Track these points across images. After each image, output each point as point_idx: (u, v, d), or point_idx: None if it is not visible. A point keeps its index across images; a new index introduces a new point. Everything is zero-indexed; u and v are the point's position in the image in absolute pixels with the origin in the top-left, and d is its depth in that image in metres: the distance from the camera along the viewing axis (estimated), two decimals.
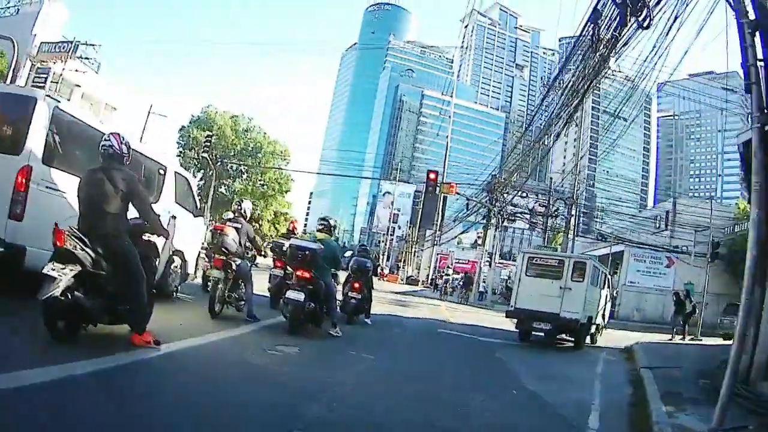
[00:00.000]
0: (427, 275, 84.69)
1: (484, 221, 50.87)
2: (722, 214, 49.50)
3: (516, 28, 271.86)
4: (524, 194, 50.59)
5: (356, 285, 17.49)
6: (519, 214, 50.44)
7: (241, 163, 77.09)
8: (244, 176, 79.41)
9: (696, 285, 35.70)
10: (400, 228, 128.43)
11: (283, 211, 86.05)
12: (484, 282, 55.51)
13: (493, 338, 20.34)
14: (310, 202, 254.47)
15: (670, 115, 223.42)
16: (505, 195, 48.85)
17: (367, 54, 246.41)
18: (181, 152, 75.43)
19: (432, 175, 43.10)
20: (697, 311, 31.28)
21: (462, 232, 69.52)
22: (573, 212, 48.19)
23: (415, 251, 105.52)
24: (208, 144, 60.11)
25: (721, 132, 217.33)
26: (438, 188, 43.23)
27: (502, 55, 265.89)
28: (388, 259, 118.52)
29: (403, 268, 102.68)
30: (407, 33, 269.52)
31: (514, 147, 51.68)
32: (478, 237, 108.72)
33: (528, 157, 46.51)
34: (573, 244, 49.88)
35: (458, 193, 45.63)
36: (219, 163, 73.13)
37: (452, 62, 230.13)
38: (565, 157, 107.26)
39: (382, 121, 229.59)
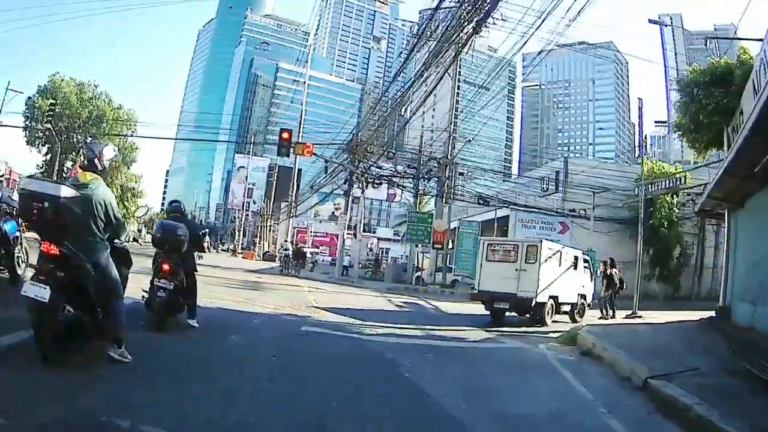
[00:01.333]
0: (285, 251, 76.58)
1: (346, 186, 44.31)
2: (626, 175, 43.27)
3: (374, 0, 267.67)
4: (391, 154, 44.23)
5: (165, 266, 10.58)
6: (384, 177, 43.80)
7: (86, 133, 67.59)
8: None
9: (596, 253, 33.72)
10: (255, 203, 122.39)
11: (130, 185, 77.66)
12: (349, 255, 49.31)
13: (384, 334, 14.49)
14: (166, 181, 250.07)
15: (536, 85, 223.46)
16: (368, 156, 42.41)
17: (225, 30, 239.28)
18: (27, 125, 67.35)
19: (285, 135, 36.58)
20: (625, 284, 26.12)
21: (318, 203, 62.48)
22: (447, 173, 42.33)
23: (270, 225, 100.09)
24: (51, 114, 54.33)
25: (593, 101, 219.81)
26: (292, 148, 36.50)
27: (360, 27, 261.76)
28: (244, 235, 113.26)
29: (260, 243, 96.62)
30: (265, 8, 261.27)
31: (374, 107, 44.85)
32: (336, 208, 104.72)
33: (389, 118, 42.79)
34: (450, 209, 44.02)
35: (315, 154, 38.98)
36: (65, 136, 65.64)
37: (308, 35, 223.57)
38: (423, 126, 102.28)
39: (237, 96, 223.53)
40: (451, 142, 43.60)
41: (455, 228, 44.00)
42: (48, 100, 61.32)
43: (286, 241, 61.15)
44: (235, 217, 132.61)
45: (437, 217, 42.07)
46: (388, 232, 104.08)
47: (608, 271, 25.03)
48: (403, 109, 41.71)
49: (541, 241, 21.54)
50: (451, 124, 44.66)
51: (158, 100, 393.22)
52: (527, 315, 20.34)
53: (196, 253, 12.10)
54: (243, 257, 75.14)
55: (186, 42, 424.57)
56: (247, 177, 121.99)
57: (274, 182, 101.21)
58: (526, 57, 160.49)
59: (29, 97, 66.61)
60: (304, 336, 12.90)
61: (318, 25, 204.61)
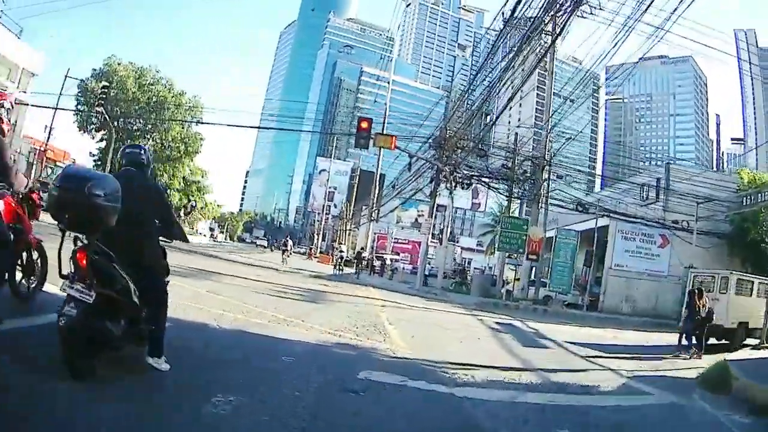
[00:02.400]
0: (366, 257, 71.27)
1: (431, 186, 38.72)
2: (723, 184, 38.81)
3: (459, 8, 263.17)
4: (483, 152, 38.54)
5: (83, 261, 5.55)
6: (476, 177, 38.17)
7: (143, 119, 63.94)
8: (150, 137, 64.82)
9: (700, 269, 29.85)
10: (336, 206, 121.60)
11: (194, 179, 73.37)
12: (431, 264, 43.98)
13: (486, 383, 9.37)
14: (246, 182, 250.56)
15: (619, 99, 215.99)
16: (458, 152, 36.83)
17: (307, 32, 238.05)
18: (78, 111, 62.00)
19: (364, 124, 31.76)
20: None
21: (400, 205, 56.81)
22: (544, 175, 36.94)
23: (350, 229, 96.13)
24: (104, 96, 49.79)
25: (673, 116, 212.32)
26: (372, 140, 31.56)
27: (444, 35, 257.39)
28: (323, 239, 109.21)
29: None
30: (348, 11, 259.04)
31: (461, 98, 39.04)
32: (420, 215, 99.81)
33: (477, 113, 36.99)
34: (546, 214, 38.52)
35: (398, 148, 33.85)
36: (119, 122, 61.29)
37: (392, 41, 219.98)
38: (510, 124, 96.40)
39: (320, 97, 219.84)
40: (547, 140, 38.11)
41: (550, 237, 38.34)
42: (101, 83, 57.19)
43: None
44: (314, 221, 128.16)
45: (532, 224, 36.65)
46: (471, 242, 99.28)
47: (695, 301, 18.84)
48: (490, 105, 36.09)
49: (732, 273, 23.75)
50: (547, 120, 38.79)
51: (241, 100, 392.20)
52: (723, 340, 21.21)
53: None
54: (318, 261, 69.79)
55: (267, 43, 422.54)
56: (328, 180, 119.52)
57: (356, 185, 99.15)
58: (609, 70, 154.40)
59: (82, 80, 61.01)
60: (359, 393, 7.24)
61: (401, 29, 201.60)
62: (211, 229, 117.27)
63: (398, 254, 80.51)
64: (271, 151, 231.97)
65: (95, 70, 63.13)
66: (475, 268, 73.53)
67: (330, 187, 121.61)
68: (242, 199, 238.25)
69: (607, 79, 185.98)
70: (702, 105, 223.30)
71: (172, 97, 65.14)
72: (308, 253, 70.39)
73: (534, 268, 38.83)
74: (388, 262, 59.96)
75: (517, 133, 43.49)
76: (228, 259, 38.12)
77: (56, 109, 59.00)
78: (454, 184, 35.28)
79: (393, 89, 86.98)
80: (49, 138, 56.75)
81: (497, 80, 32.33)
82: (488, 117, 38.53)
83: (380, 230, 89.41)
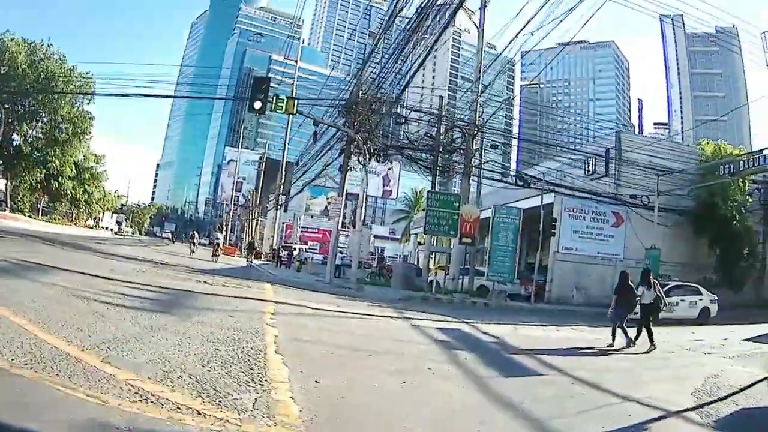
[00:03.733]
0: (271, 246, 67.78)
1: (341, 159, 32.42)
2: (682, 157, 35.28)
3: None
4: (400, 117, 32.09)
5: None
6: (392, 147, 32.01)
7: (32, 98, 55.24)
8: (38, 118, 57.27)
9: (661, 252, 30.81)
10: (244, 197, 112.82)
11: (88, 164, 65.66)
12: (342, 253, 37.87)
13: None
14: (156, 175, 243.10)
15: (536, 84, 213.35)
16: (372, 117, 30.57)
17: (218, 22, 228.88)
18: None
19: (261, 84, 25.30)
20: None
21: (310, 182, 50.16)
22: (476, 143, 31.93)
23: (257, 220, 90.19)
24: None
25: (593, 101, 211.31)
26: (270, 103, 25.18)
27: (355, 23, 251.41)
28: (232, 231, 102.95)
29: (245, 238, 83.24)
30: (259, 1, 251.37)
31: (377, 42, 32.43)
32: (329, 202, 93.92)
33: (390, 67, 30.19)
34: (479, 189, 35.13)
35: (300, 113, 27.61)
36: (8, 105, 53.15)
37: (301, 24, 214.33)
38: (423, 85, 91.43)
39: (227, 88, 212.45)
40: (477, 103, 32.84)
41: (487, 218, 32.18)
42: None
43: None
44: (223, 212, 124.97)
45: (464, 202, 30.76)
46: (383, 230, 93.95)
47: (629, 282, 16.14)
48: (403, 66, 29.93)
49: None
50: (478, 80, 33.10)
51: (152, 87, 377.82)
52: None
53: None
54: (223, 253, 62.73)
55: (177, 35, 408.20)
56: (237, 170, 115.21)
57: (262, 172, 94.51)
58: (525, 55, 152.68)
59: None
60: None
61: (312, 17, 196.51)
62: (118, 223, 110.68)
63: (306, 243, 75.04)
64: (181, 143, 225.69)
65: None
66: (389, 257, 68.02)
67: (239, 178, 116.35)
68: (153, 191, 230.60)
69: (523, 65, 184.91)
70: (624, 90, 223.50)
71: (62, 72, 56.58)
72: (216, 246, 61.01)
73: (468, 255, 33.20)
74: (295, 252, 53.30)
75: (441, 96, 37.47)
76: (105, 253, 30.83)
77: None
78: (368, 156, 28.86)
79: (303, 76, 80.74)
80: None
81: (408, 40, 27.56)
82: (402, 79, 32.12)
83: (288, 219, 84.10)
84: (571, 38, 29.13)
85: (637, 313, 16.11)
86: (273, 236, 71.05)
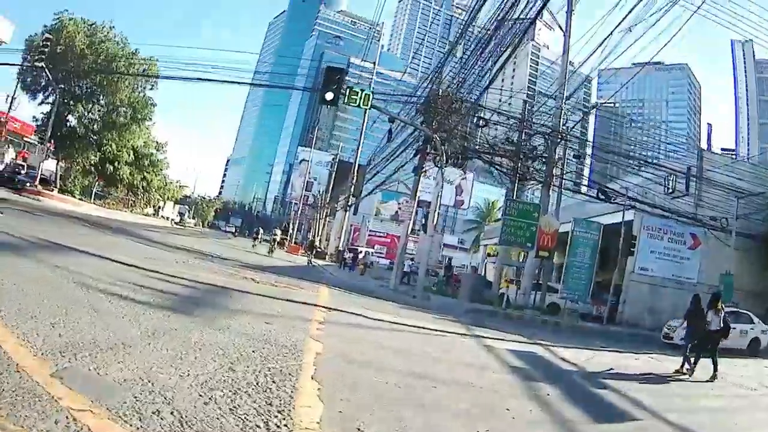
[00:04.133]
0: (336, 247, 64.93)
1: (415, 159, 30.10)
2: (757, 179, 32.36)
3: (452, 5, 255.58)
4: (482, 120, 29.58)
5: None
6: (473, 152, 29.54)
7: (90, 80, 53.27)
8: (96, 100, 55.04)
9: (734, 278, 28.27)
10: (314, 197, 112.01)
11: (147, 151, 63.72)
12: (412, 260, 35.61)
13: None
14: (226, 170, 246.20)
15: (611, 104, 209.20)
16: (451, 117, 28.22)
17: (296, 23, 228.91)
18: (21, 70, 51.30)
19: (334, 75, 23.53)
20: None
21: (381, 185, 47.96)
22: (558, 152, 29.53)
23: (326, 219, 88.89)
24: (44, 50, 41.36)
25: (666, 123, 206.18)
26: (343, 96, 23.04)
27: (436, 32, 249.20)
28: (299, 230, 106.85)
29: (313, 238, 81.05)
30: (339, 3, 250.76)
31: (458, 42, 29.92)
32: (399, 208, 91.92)
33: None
34: (558, 200, 31.64)
35: (376, 108, 25.46)
36: (64, 85, 51.42)
37: (380, 30, 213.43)
38: (502, 94, 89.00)
39: (304, 89, 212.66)
40: (562, 110, 29.93)
41: (564, 232, 29.26)
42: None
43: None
44: (291, 211, 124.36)
45: (542, 213, 28.12)
46: (452, 239, 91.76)
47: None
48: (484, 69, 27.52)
49: None
50: (563, 85, 30.43)
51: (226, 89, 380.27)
52: None
53: None
54: (287, 251, 60.59)
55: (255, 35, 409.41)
56: (309, 170, 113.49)
57: (333, 173, 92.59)
58: (602, 73, 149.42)
59: (28, 37, 52.26)
60: None
61: (392, 21, 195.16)
62: (181, 214, 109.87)
63: (373, 247, 73.18)
64: (253, 140, 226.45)
65: (46, 26, 52.39)
66: (456, 267, 65.73)
67: (310, 178, 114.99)
68: (221, 186, 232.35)
69: (599, 83, 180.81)
70: (695, 113, 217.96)
71: (123, 55, 54.62)
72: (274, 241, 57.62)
73: (541, 269, 30.20)
74: (361, 254, 51.08)
75: (525, 100, 34.92)
76: (150, 240, 28.88)
77: (19, 78, 51.30)
78: (444, 158, 26.45)
79: (380, 81, 78.97)
80: (9, 109, 49.71)
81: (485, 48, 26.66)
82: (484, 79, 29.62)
83: (357, 222, 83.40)
84: (651, 57, 27.93)
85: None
86: (340, 237, 68.35)
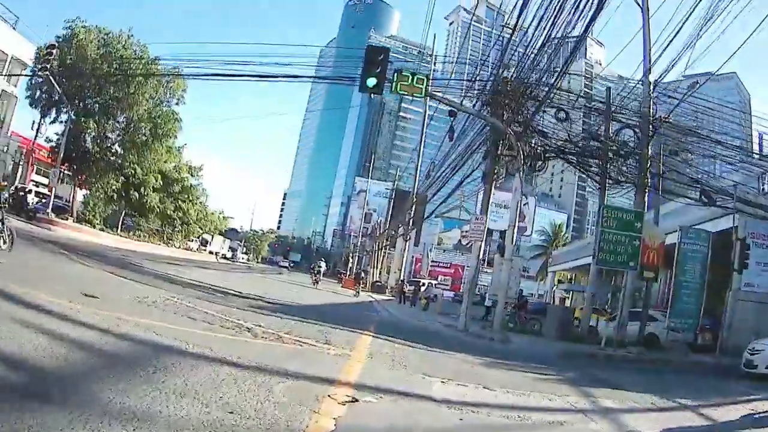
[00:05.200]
0: (397, 280, 59.35)
1: (483, 164, 24.29)
2: None
3: (502, 26, 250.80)
4: (563, 112, 23.49)
5: None
6: (554, 151, 23.41)
7: (104, 93, 46.91)
8: (112, 116, 48.26)
9: None
10: (373, 229, 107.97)
11: (180, 175, 58.40)
12: (480, 292, 29.68)
13: None
14: (283, 203, 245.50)
15: (667, 120, 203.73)
16: (527, 104, 22.64)
17: (346, 52, 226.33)
18: (30, 82, 47.63)
19: (378, 54, 19.24)
20: None
21: (442, 202, 42.67)
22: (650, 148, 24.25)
23: (385, 251, 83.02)
24: (49, 58, 36.67)
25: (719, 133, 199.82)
26: (392, 84, 19.11)
27: (488, 53, 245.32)
28: (359, 263, 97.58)
29: (373, 271, 78.78)
30: (389, 28, 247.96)
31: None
32: (463, 236, 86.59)
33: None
34: (657, 206, 26.57)
35: (433, 96, 20.29)
36: (77, 100, 45.97)
37: (432, 54, 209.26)
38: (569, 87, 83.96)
39: (359, 115, 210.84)
40: (651, 97, 24.73)
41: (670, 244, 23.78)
42: (66, 52, 44.09)
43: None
44: (350, 244, 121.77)
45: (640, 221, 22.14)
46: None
47: None
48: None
49: None
50: (649, 71, 24.57)
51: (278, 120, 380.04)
52: None
53: None
54: (343, 286, 54.40)
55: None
56: (366, 201, 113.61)
57: (391, 202, 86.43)
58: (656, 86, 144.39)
59: (39, 48, 45.98)
60: None
61: (444, 46, 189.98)
62: (232, 249, 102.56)
63: (437, 278, 67.88)
64: (309, 172, 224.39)
65: (59, 37, 46.03)
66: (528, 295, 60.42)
67: (369, 209, 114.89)
68: (279, 220, 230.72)
69: (656, 96, 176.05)
70: (745, 122, 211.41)
71: (141, 64, 47.52)
72: (314, 275, 51.04)
73: (643, 294, 24.64)
74: (423, 287, 45.07)
75: (609, 88, 28.61)
76: (158, 275, 21.99)
77: (29, 93, 46.98)
78: (521, 157, 20.55)
79: (434, 106, 74.20)
80: (36, 136, 47.19)
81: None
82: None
83: (418, 253, 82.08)
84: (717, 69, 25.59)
85: None
86: (400, 269, 63.87)
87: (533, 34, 21.37)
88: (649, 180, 23.90)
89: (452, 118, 25.44)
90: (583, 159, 24.36)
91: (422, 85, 19.62)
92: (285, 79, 25.23)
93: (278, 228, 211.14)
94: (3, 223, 14.84)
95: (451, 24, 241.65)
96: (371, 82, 18.30)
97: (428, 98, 60.26)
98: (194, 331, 9.78)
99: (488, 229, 27.29)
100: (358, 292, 43.30)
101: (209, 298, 16.63)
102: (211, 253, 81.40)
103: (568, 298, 57.23)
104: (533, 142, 22.81)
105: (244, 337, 10.32)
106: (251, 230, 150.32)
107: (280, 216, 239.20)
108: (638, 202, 23.94)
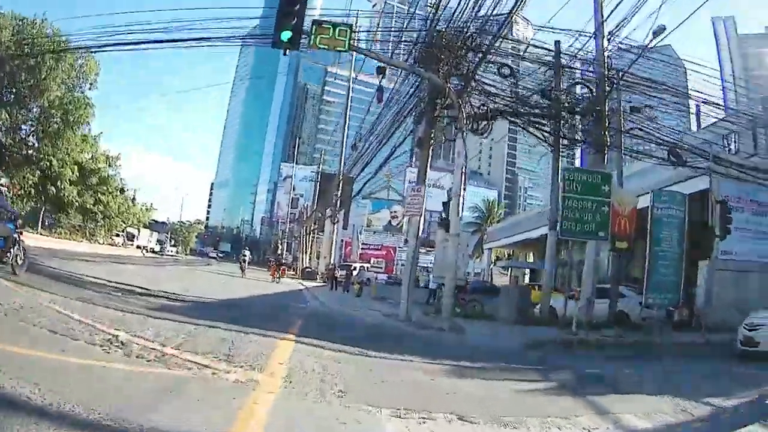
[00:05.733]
0: (327, 265, 58.26)
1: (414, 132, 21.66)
2: None
3: (426, 4, 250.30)
4: (507, 68, 20.71)
5: None
6: (496, 110, 20.47)
7: (14, 81, 43.22)
8: (23, 106, 45.19)
9: None
10: (300, 214, 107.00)
11: (96, 165, 54.40)
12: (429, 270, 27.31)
13: None
14: (211, 194, 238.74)
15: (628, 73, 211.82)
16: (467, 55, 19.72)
17: (270, 35, 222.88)
18: None
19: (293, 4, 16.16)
20: None
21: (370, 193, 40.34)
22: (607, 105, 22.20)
23: (313, 235, 79.42)
24: None
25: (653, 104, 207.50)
26: (310, 36, 16.86)
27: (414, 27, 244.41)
28: (288, 251, 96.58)
29: (302, 257, 77.74)
30: (314, 10, 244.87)
31: None
32: (393, 216, 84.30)
33: None
34: (619, 168, 23.69)
35: (356, 49, 17.54)
36: None
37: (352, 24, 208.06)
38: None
39: (283, 101, 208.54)
40: (603, 50, 22.71)
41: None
42: None
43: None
44: (278, 231, 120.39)
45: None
46: None
47: None
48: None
49: None
50: (601, 24, 22.32)
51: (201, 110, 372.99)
52: None
53: None
54: (270, 275, 50.98)
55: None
56: (293, 187, 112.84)
57: (316, 185, 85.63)
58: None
59: None
60: None
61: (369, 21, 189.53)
62: (160, 242, 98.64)
63: (369, 261, 65.87)
64: (235, 161, 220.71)
65: None
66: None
67: (295, 194, 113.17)
68: (208, 212, 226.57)
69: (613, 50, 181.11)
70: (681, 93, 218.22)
71: (53, 45, 42.62)
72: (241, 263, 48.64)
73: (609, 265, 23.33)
74: (355, 272, 42.65)
75: (558, 41, 26.02)
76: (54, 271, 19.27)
77: None
78: (463, 117, 17.76)
79: (359, 88, 71.82)
80: None
81: None
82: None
83: (347, 236, 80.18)
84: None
85: None
86: (330, 254, 62.06)
87: None
88: (608, 139, 21.54)
89: (381, 76, 22.41)
90: (534, 118, 21.59)
91: (345, 37, 16.94)
92: (196, 43, 21.92)
93: (207, 219, 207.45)
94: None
95: (374, 6, 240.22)
96: (285, 35, 15.85)
97: (355, 70, 58.88)
98: (37, 354, 6.67)
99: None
100: (279, 279, 41.62)
101: (104, 300, 13.16)
102: (138, 247, 77.17)
103: (506, 275, 55.73)
104: (476, 101, 19.96)
105: (111, 358, 7.17)
106: (179, 222, 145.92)
107: (209, 207, 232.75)
108: (595, 164, 21.53)
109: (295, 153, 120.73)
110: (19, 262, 14.53)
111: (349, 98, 60.21)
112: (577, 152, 53.29)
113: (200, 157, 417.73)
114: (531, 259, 57.00)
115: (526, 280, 47.38)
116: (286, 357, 9.27)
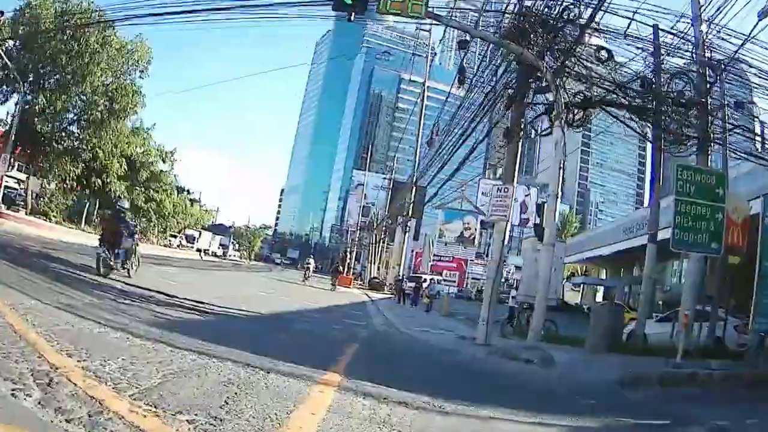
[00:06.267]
0: (395, 276, 55.11)
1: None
2: None
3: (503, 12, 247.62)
4: (605, 51, 17.39)
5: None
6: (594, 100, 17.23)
7: (59, 66, 40.80)
8: (66, 93, 41.84)
9: None
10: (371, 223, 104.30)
11: (147, 159, 52.26)
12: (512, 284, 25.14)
13: None
14: (281, 200, 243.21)
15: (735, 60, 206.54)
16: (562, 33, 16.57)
17: (343, 42, 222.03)
18: None
19: None
20: None
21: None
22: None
23: (383, 245, 78.94)
24: None
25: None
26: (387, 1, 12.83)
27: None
28: (357, 259, 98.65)
29: (370, 266, 77.40)
30: (386, 19, 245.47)
31: None
32: (465, 228, 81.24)
33: None
34: (725, 168, 19.62)
35: (435, 18, 14.57)
36: (31, 76, 40.68)
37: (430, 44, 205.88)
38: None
39: (356, 108, 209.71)
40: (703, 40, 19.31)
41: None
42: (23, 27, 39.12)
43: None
44: (348, 239, 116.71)
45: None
46: (518, 260, 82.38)
47: None
48: None
49: None
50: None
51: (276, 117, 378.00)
52: None
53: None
54: (337, 283, 47.95)
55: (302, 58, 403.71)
56: (363, 195, 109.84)
57: (388, 193, 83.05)
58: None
59: None
60: None
61: (442, 39, 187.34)
62: (223, 246, 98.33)
63: (441, 274, 63.25)
64: (307, 167, 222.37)
65: (16, 10, 39.60)
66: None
67: (367, 202, 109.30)
68: (277, 217, 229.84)
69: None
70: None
71: (97, 33, 40.97)
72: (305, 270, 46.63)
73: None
74: (425, 284, 40.32)
75: (656, 24, 22.62)
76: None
77: None
78: (561, 103, 14.61)
79: (431, 96, 69.36)
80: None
81: None
82: None
83: (418, 247, 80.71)
84: None
85: None
86: (400, 264, 59.57)
87: None
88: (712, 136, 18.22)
89: (463, 52, 19.37)
90: (637, 110, 18.24)
91: (422, 1, 13.88)
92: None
93: (276, 225, 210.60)
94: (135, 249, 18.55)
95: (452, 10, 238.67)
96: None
97: (429, 57, 56.32)
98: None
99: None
100: (334, 286, 42.04)
101: (89, 307, 10.25)
102: (198, 250, 75.00)
103: (577, 291, 52.93)
104: (570, 89, 16.79)
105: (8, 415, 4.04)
106: (245, 226, 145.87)
107: (278, 213, 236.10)
108: (701, 163, 18.20)
109: (368, 160, 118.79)
110: (134, 267, 18.00)
111: (424, 97, 59.35)
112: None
113: (271, 163, 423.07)
114: (603, 275, 54.78)
115: (598, 298, 44.63)
116: (312, 424, 5.26)
